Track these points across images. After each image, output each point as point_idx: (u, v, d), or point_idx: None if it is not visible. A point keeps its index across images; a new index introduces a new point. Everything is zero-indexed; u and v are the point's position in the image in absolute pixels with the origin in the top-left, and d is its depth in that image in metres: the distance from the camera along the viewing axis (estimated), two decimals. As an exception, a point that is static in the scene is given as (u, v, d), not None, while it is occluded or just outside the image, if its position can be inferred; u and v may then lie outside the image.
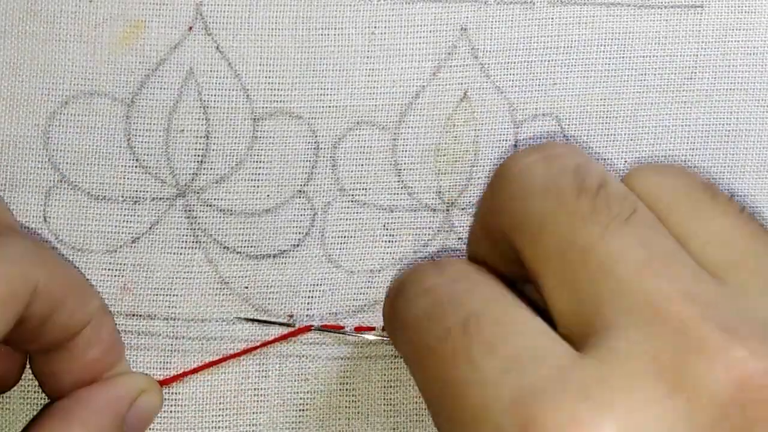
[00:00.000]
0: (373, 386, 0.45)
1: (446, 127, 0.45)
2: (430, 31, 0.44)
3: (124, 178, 0.44)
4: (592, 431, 0.31)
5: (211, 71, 0.44)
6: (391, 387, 0.45)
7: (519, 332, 0.34)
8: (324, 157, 0.44)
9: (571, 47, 0.45)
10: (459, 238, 0.45)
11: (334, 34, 0.44)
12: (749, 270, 0.35)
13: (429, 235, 0.45)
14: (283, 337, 0.44)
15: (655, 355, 0.32)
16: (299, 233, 0.44)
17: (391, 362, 0.45)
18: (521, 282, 0.38)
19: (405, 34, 0.44)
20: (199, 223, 0.44)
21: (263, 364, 0.45)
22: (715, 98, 0.45)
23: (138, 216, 0.44)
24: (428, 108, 0.45)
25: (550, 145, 0.38)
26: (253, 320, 0.44)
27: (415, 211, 0.45)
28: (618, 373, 0.32)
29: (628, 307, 0.33)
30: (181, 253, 0.44)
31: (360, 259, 0.45)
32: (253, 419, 0.45)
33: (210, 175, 0.44)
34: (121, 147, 0.44)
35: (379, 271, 0.45)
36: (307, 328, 0.44)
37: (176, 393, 0.44)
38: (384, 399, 0.45)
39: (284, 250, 0.45)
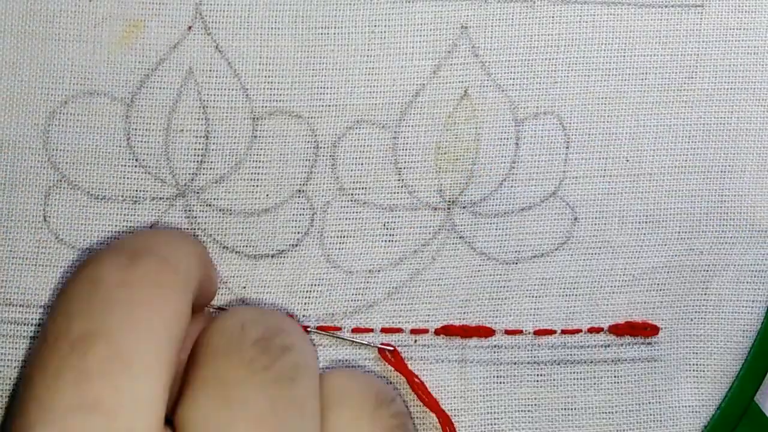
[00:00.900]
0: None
1: (447, 126, 0.45)
2: (431, 30, 0.44)
3: (123, 177, 0.44)
4: None
5: (210, 71, 0.44)
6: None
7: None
8: (324, 156, 0.44)
9: (572, 45, 0.45)
10: (460, 237, 0.45)
11: (334, 33, 0.44)
12: None
13: (429, 234, 0.45)
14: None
15: None
16: (298, 233, 0.44)
17: (385, 364, 0.45)
18: None
19: (405, 32, 0.44)
20: (198, 223, 0.44)
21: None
22: (716, 98, 0.45)
23: (138, 216, 0.44)
24: (429, 106, 0.44)
25: None
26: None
27: (415, 209, 0.45)
28: None
29: None
30: (180, 253, 0.44)
31: (359, 259, 0.45)
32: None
33: (209, 174, 0.44)
34: (120, 146, 0.44)
35: (378, 271, 0.45)
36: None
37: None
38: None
39: (282, 250, 0.45)
